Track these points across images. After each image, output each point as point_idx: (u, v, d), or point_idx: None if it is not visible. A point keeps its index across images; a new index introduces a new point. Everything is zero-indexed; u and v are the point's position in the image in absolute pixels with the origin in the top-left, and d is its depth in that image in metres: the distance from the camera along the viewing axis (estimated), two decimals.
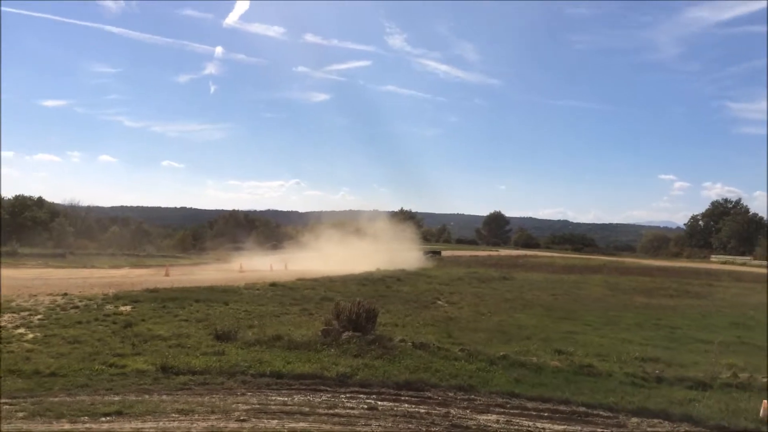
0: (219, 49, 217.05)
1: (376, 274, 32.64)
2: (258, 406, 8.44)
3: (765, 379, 11.51)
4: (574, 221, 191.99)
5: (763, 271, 56.68)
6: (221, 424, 7.52)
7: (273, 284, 23.64)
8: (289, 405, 8.58)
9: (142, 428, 7.24)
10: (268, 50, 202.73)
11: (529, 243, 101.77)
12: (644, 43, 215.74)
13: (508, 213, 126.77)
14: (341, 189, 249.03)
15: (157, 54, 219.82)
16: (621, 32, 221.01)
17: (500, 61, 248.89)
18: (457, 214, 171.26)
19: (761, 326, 20.30)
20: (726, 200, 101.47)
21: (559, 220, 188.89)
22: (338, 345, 12.04)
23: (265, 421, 7.76)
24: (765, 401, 9.18)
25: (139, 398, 8.54)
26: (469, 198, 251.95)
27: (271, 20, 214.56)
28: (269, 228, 77.86)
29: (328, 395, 9.23)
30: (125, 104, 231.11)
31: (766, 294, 31.79)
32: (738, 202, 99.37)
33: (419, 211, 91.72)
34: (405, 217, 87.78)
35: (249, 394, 9.12)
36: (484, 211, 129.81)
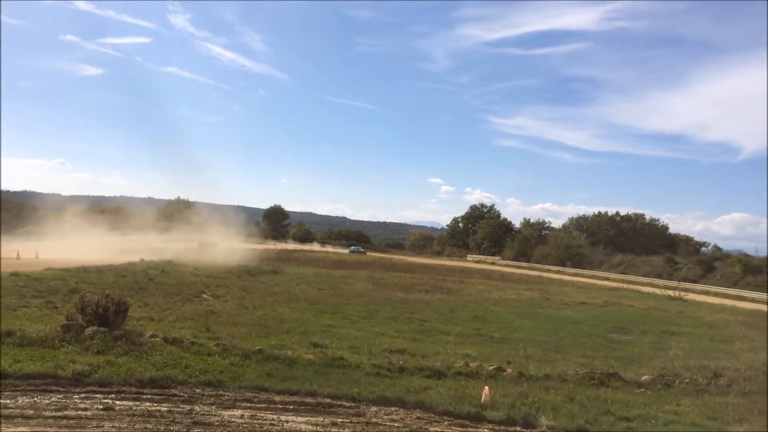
0: None
1: (139, 265, 30.80)
2: None
3: (491, 368, 12.93)
4: (352, 218, 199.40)
5: (507, 269, 64.34)
6: None
7: (14, 274, 21.11)
8: (11, 408, 7.77)
9: None
10: (31, 12, 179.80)
11: (306, 238, 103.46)
12: (420, 53, 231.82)
13: (290, 208, 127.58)
14: (113, 172, 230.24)
15: None
16: (400, 39, 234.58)
17: (287, 54, 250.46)
18: (238, 206, 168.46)
19: (497, 320, 22.91)
20: (483, 205, 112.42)
21: (338, 216, 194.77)
22: (80, 341, 11.15)
23: None
24: (486, 387, 10.42)
25: None
26: (252, 190, 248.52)
27: None
28: (24, 211, 69.53)
29: (60, 396, 8.52)
30: None
31: (505, 291, 36.11)
32: (492, 207, 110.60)
33: (199, 201, 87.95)
34: (183, 206, 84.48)
35: None
36: (266, 204, 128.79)
